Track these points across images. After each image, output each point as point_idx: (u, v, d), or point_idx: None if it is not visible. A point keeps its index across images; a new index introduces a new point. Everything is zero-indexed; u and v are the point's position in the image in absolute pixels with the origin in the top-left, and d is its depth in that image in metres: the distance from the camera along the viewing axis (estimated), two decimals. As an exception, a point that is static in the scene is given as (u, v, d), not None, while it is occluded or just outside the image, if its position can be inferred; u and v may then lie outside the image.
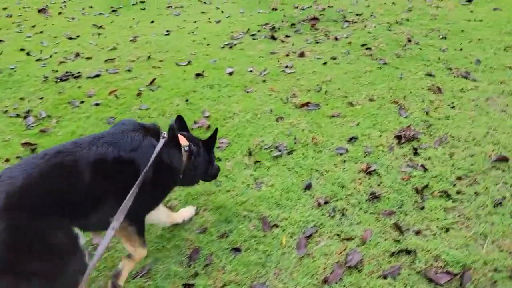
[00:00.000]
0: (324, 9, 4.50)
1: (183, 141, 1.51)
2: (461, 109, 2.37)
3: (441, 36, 3.49)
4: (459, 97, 2.50)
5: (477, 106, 2.38)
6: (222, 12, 4.97)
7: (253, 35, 3.92)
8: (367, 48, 3.35)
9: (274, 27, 4.07)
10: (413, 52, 3.21)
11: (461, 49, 3.15)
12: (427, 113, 2.35)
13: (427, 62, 3.01)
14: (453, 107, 2.40)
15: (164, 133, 1.43)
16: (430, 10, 4.13)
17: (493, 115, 2.28)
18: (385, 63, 3.04)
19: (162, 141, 1.38)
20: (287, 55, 3.36)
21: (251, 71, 3.11)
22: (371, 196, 1.77)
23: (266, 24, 4.22)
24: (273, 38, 3.77)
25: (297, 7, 4.75)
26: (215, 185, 1.92)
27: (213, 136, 1.64)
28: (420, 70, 2.88)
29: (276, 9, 4.75)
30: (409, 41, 3.44)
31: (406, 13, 4.14)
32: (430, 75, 2.79)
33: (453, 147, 2.04)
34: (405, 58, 3.09)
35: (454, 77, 2.75)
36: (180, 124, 1.62)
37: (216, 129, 1.69)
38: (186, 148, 1.50)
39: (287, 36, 3.82)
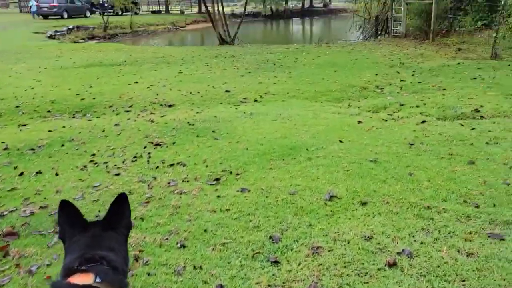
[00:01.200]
0: (33, 213, 3.25)
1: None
2: None
3: (179, 245, 2.65)
4: None
5: None
6: None
7: None
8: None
9: None
10: None
11: (200, 267, 2.33)
12: None
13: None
14: None
15: None
16: (172, 199, 3.36)
17: None
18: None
19: None
20: None
21: None
22: None
23: None
24: None
25: (-1, 207, 3.39)
26: None
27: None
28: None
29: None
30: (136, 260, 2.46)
31: (143, 207, 3.26)
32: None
33: None
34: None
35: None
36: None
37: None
38: None
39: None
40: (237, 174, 3.83)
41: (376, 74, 8.76)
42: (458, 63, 9.54)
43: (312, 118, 5.69)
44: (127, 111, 6.71)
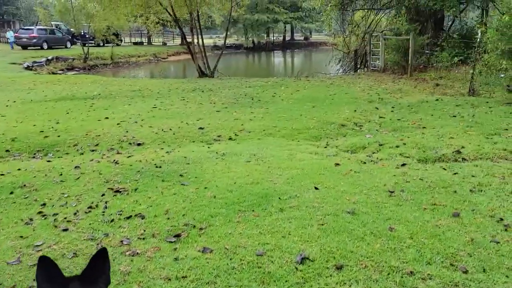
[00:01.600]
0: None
1: None
2: None
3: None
4: None
5: None
6: None
7: None
8: None
9: None
10: None
11: None
12: None
13: None
14: None
15: None
16: (122, 263, 2.93)
17: None
18: None
19: None
20: None
21: None
22: None
23: None
24: None
25: None
26: None
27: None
28: None
29: None
30: None
31: None
32: None
33: None
34: None
35: None
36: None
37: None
38: None
39: None
40: (201, 229, 3.43)
41: (355, 110, 8.58)
42: (437, 99, 9.47)
43: (287, 159, 5.37)
44: (93, 150, 6.29)
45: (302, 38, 56.86)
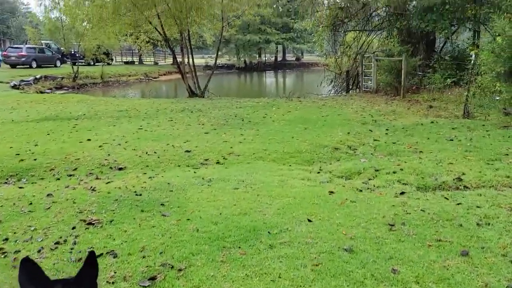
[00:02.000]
0: None
1: None
2: None
3: None
4: None
5: None
6: None
7: None
8: None
9: None
10: None
11: None
12: None
13: None
14: None
15: None
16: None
17: None
18: None
19: None
20: None
21: None
22: None
23: None
24: None
25: None
26: None
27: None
28: None
29: None
30: None
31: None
32: None
33: None
34: None
35: None
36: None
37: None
38: None
39: None
40: (180, 270, 3.03)
41: (348, 133, 8.29)
42: (432, 122, 9.23)
43: (278, 186, 5.01)
44: (70, 175, 5.87)
45: (294, 58, 57.27)
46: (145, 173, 5.86)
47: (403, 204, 4.20)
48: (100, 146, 7.35)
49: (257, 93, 22.76)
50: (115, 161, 6.47)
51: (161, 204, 4.44)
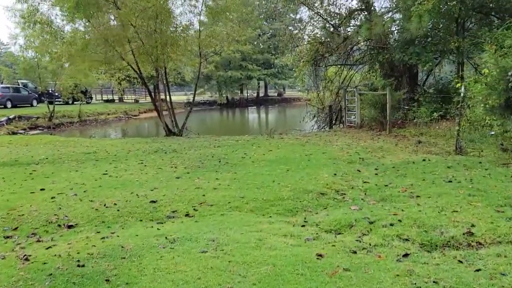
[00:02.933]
0: None
1: None
2: None
3: None
4: None
5: None
6: None
7: None
8: None
9: None
10: None
11: None
12: None
13: None
14: None
15: None
16: None
17: None
18: None
19: None
20: None
21: None
22: None
23: None
24: None
25: None
26: None
27: None
28: None
29: None
30: None
31: None
32: None
33: None
34: None
35: None
36: None
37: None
38: None
39: None
40: None
41: (335, 174, 7.52)
42: (424, 159, 8.56)
43: (255, 247, 4.14)
44: (7, 237, 4.89)
45: (276, 94, 57.41)
46: (98, 232, 4.93)
47: (409, 274, 3.36)
48: (52, 198, 6.38)
49: (239, 130, 22.11)
50: (66, 216, 5.51)
51: (106, 280, 3.50)
